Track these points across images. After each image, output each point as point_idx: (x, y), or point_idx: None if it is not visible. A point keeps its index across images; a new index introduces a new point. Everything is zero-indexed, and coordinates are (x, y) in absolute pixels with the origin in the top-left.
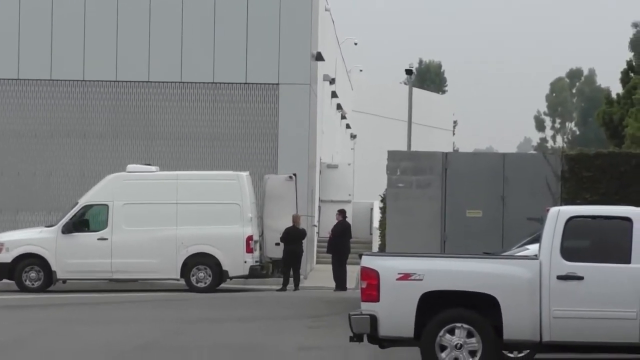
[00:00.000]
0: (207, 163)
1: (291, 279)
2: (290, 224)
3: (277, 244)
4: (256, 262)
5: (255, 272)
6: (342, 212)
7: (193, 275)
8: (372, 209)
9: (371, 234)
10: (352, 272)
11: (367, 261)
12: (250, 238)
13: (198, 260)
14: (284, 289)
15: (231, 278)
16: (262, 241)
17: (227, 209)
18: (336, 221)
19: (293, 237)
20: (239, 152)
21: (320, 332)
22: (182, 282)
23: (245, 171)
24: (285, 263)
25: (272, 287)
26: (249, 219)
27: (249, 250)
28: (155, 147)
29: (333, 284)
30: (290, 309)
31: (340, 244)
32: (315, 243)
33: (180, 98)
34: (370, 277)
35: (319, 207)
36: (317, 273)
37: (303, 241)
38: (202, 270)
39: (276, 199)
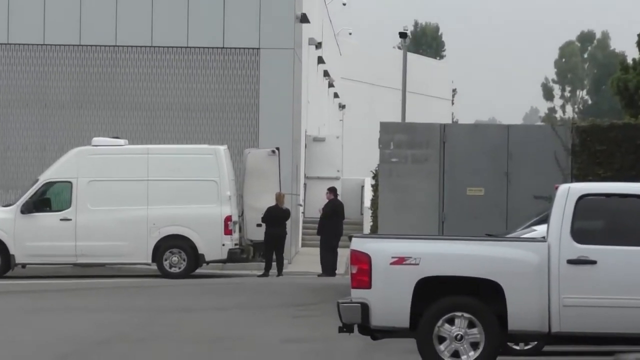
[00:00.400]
0: (181, 136)
1: (274, 264)
2: (273, 203)
3: (259, 225)
4: (235, 245)
5: (234, 256)
6: (332, 190)
7: (166, 260)
8: (363, 187)
9: (362, 214)
10: (342, 257)
11: (358, 244)
12: (228, 219)
13: (171, 243)
14: (266, 274)
15: (208, 263)
16: (242, 222)
17: (203, 186)
18: (326, 200)
19: (276, 218)
20: (216, 124)
21: (306, 323)
22: (154, 267)
23: (223, 145)
24: (267, 246)
25: (253, 272)
26: (227, 198)
27: (228, 232)
28: (124, 119)
29: (320, 269)
30: (273, 296)
31: (331, 225)
32: (301, 224)
33: (151, 64)
34: (361, 262)
35: (305, 184)
36: (302, 257)
37: (287, 222)
38: (176, 254)
39: (257, 175)
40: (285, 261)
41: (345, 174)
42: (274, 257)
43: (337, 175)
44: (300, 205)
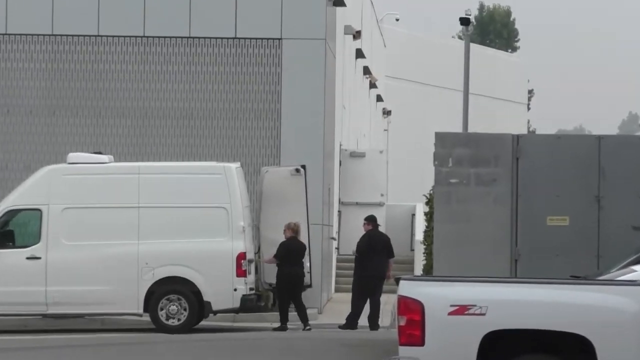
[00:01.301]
0: (181, 151)
1: (294, 314)
2: (287, 236)
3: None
4: (251, 289)
5: (249, 304)
6: (370, 220)
7: (162, 309)
8: (413, 215)
9: (412, 249)
10: (387, 304)
11: (407, 288)
12: (242, 256)
13: (169, 288)
14: (283, 327)
15: (215, 313)
16: (258, 261)
17: (210, 215)
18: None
19: (295, 254)
20: (226, 135)
21: None
22: (147, 318)
23: (235, 162)
24: (283, 291)
25: (272, 324)
26: (240, 230)
27: (241, 273)
28: (108, 128)
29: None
30: (296, 356)
31: (369, 262)
32: (334, 264)
33: (144, 59)
34: (412, 311)
35: (339, 212)
36: (336, 305)
37: (303, 260)
38: (175, 302)
39: (278, 201)
40: (314, 310)
41: (391, 198)
42: (292, 305)
43: (381, 201)
44: (334, 239)
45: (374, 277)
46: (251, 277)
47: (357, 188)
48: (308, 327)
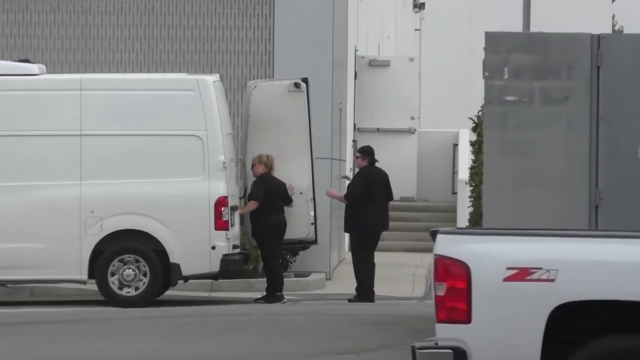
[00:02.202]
0: (139, 59)
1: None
2: (257, 172)
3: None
4: (234, 247)
5: (232, 268)
6: (366, 153)
7: (113, 275)
8: (455, 146)
9: (454, 193)
10: (420, 267)
11: (447, 245)
12: (222, 202)
13: (123, 246)
14: (277, 296)
15: (187, 279)
16: (243, 207)
17: (179, 146)
18: (357, 168)
19: (274, 197)
20: (201, 37)
21: None
22: (93, 286)
23: (213, 74)
24: (269, 247)
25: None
26: (219, 166)
27: (221, 224)
28: (39, 27)
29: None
30: (299, 339)
31: (369, 212)
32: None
33: None
34: (454, 276)
35: (354, 142)
36: (349, 269)
37: (291, 206)
38: (131, 265)
39: (271, 126)
40: (321, 275)
41: (425, 123)
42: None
43: (411, 127)
44: (347, 178)
45: (377, 233)
46: (235, 230)
47: (379, 109)
48: (284, 300)
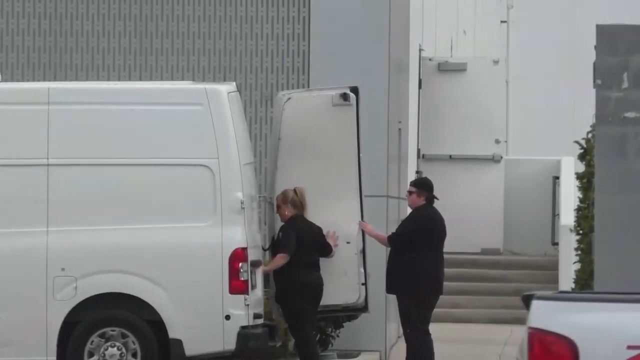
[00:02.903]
0: (128, 62)
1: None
2: (285, 214)
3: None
4: (256, 316)
5: (253, 344)
6: (423, 187)
7: (92, 355)
8: (556, 180)
9: (555, 243)
10: (509, 344)
11: (547, 316)
12: (240, 255)
13: (104, 315)
14: None
15: None
16: (269, 262)
17: (182, 180)
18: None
19: (307, 247)
20: (211, 32)
21: None
22: None
23: (228, 83)
24: (301, 315)
25: None
26: (236, 206)
27: (238, 286)
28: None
29: None
30: None
31: (427, 263)
32: None
33: None
34: (556, 356)
35: (418, 174)
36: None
37: (327, 256)
38: (116, 342)
39: (310, 152)
40: (375, 355)
41: (515, 149)
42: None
43: (496, 154)
44: None
45: (435, 297)
46: (257, 294)
47: (452, 129)
48: None
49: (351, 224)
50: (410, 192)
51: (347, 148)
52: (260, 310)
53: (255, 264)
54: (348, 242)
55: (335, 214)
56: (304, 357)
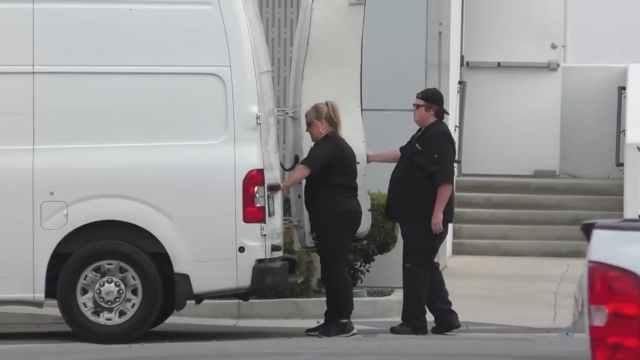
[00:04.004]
0: None
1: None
2: (319, 131)
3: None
4: (274, 248)
5: (270, 280)
6: (432, 98)
7: (85, 292)
8: (622, 90)
9: (619, 164)
10: (565, 280)
11: (609, 247)
12: (255, 177)
13: (100, 246)
14: (342, 324)
15: (200, 299)
16: (290, 188)
17: (188, 90)
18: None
19: (348, 169)
20: None
21: None
22: (54, 309)
23: None
24: (336, 248)
25: (317, 322)
26: (251, 121)
27: (254, 213)
28: None
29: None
30: None
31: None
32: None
33: None
34: (620, 296)
35: (460, 84)
36: (454, 282)
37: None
38: (113, 277)
39: (334, 59)
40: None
41: (574, 54)
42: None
43: (551, 60)
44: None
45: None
46: (275, 222)
47: (500, 32)
48: (353, 332)
49: (359, 142)
50: (417, 106)
51: (351, 55)
52: (279, 241)
53: (272, 188)
54: (358, 163)
55: (347, 131)
56: (337, 298)
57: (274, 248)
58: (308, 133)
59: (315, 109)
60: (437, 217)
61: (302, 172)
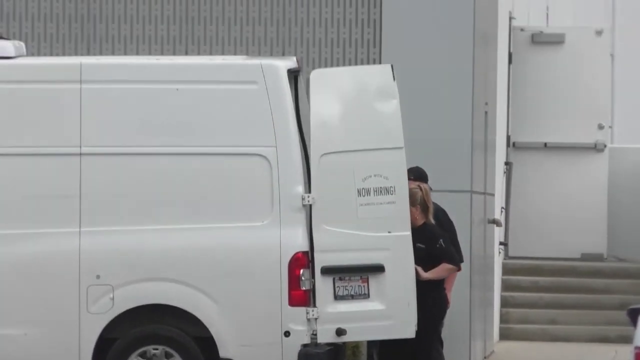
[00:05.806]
0: (175, 32)
1: None
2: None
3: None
4: (339, 331)
5: None
6: (416, 175)
7: None
8: None
9: None
10: None
11: None
12: (301, 260)
13: (146, 331)
14: None
15: None
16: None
17: (233, 171)
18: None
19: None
20: (269, 3)
21: None
22: None
23: (287, 58)
24: (428, 337)
25: None
26: (297, 202)
27: (300, 297)
28: None
29: None
30: None
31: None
32: (499, 278)
33: None
34: None
35: (507, 166)
36: None
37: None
38: None
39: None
40: None
41: (622, 135)
42: None
43: (598, 141)
44: (496, 222)
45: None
46: (342, 306)
47: (548, 112)
48: None
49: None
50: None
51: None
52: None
53: (326, 271)
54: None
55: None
56: None
57: (339, 332)
58: None
59: (412, 189)
60: (424, 274)
61: (449, 271)
